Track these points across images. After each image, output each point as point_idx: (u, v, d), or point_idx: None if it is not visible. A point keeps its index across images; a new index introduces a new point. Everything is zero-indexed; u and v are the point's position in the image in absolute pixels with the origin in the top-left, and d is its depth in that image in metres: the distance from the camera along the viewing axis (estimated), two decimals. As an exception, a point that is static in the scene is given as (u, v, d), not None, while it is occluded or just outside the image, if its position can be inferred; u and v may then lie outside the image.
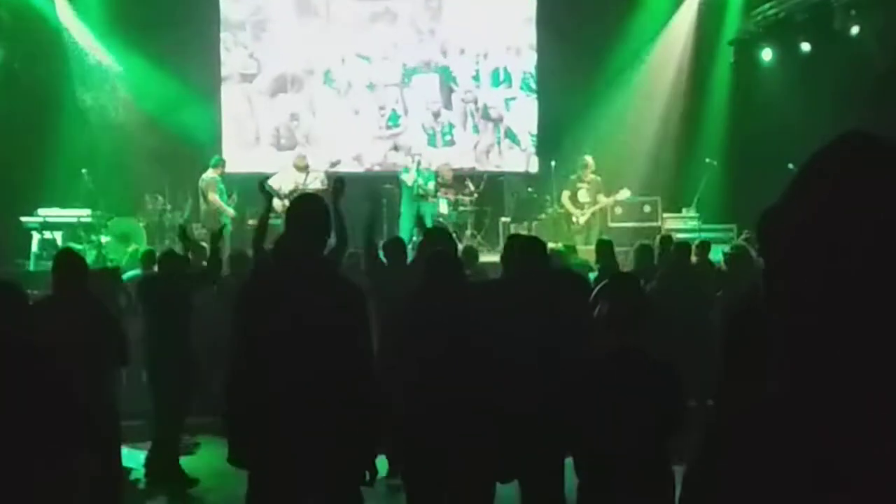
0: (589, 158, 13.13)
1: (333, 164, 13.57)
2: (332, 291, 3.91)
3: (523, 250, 5.10)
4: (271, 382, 3.79)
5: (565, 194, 13.08)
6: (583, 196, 13.07)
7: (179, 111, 13.62)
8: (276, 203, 11.72)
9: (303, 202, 4.19)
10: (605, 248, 8.59)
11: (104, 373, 5.54)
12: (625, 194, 13.04)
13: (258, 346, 3.84)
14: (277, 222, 8.68)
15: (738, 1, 14.31)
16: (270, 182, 12.50)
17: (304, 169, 12.77)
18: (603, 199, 13.10)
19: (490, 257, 10.81)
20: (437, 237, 6.55)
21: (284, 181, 12.58)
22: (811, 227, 1.12)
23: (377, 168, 14.92)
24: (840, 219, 1.10)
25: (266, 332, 3.81)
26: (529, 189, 13.42)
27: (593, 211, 13.02)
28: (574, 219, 12.96)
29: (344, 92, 14.98)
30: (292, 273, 3.90)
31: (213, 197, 12.52)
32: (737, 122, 14.25)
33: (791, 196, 1.18)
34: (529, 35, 15.32)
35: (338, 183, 6.03)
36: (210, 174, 12.68)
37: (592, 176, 13.08)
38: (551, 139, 14.66)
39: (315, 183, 12.59)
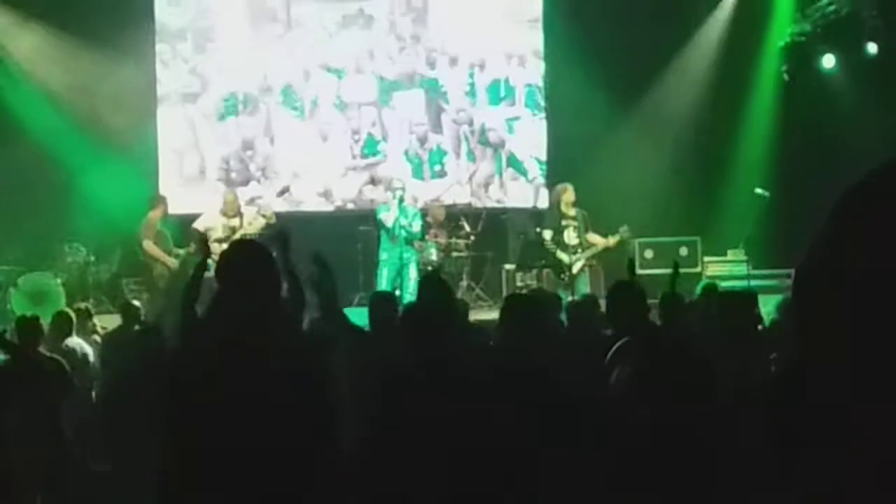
0: (566, 187, 12.69)
1: (281, 192, 13.39)
2: (292, 370, 3.76)
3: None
4: None
5: (546, 234, 12.63)
6: (570, 237, 12.55)
7: (106, 139, 13.60)
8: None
9: (236, 250, 4.08)
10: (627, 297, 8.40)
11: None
12: (625, 232, 12.57)
13: (192, 459, 3.65)
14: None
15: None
16: (195, 225, 12.45)
17: (234, 214, 12.54)
18: (598, 240, 12.55)
19: (490, 314, 10.71)
20: (429, 290, 6.44)
21: (212, 226, 12.29)
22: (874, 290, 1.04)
23: (350, 206, 14.86)
24: None
25: (203, 436, 3.63)
26: (538, 229, 13.36)
27: (589, 256, 12.57)
28: (564, 267, 12.49)
29: (308, 113, 14.97)
30: (234, 347, 3.75)
31: (149, 245, 12.42)
32: (792, 143, 14.24)
33: (836, 246, 1.09)
34: (535, 40, 15.35)
35: (280, 236, 5.71)
36: (149, 216, 12.62)
37: (575, 210, 12.61)
38: (564, 168, 14.61)
39: (253, 227, 12.40)
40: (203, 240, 6.99)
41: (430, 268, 13.05)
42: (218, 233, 12.18)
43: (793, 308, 3.68)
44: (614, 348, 5.54)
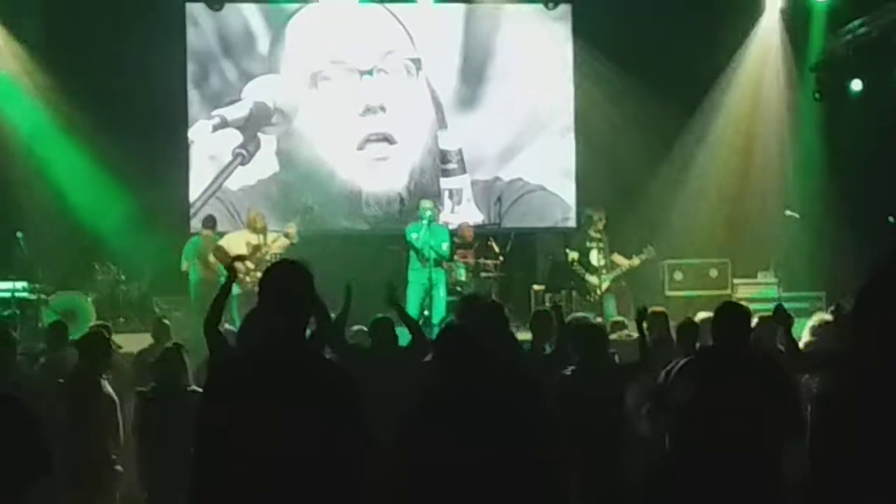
0: (598, 211, 12.87)
1: (306, 211, 13.39)
2: (326, 392, 3.71)
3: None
4: None
5: (572, 256, 12.73)
6: (595, 258, 12.72)
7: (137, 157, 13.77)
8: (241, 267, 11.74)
9: (282, 270, 4.06)
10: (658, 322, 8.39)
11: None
12: (650, 253, 12.72)
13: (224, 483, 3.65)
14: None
15: (821, 15, 14.30)
16: (220, 243, 12.51)
17: (261, 230, 12.58)
18: (623, 261, 12.76)
19: (519, 335, 10.68)
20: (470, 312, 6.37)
21: (234, 244, 12.35)
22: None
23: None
24: None
25: (238, 457, 3.61)
26: (566, 250, 13.33)
27: (614, 277, 12.72)
28: (591, 289, 12.64)
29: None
30: (270, 368, 3.74)
31: (214, 260, 12.37)
32: (823, 165, 14.18)
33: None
34: (566, 57, 15.47)
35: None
36: (204, 234, 12.82)
37: (602, 233, 12.79)
38: (594, 187, 14.63)
39: (275, 246, 12.45)
40: (230, 263, 6.96)
41: (458, 288, 13.05)
42: (241, 249, 12.25)
43: (856, 324, 3.69)
44: (678, 367, 5.50)
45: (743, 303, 10.99)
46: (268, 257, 12.05)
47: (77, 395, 6.92)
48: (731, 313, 5.42)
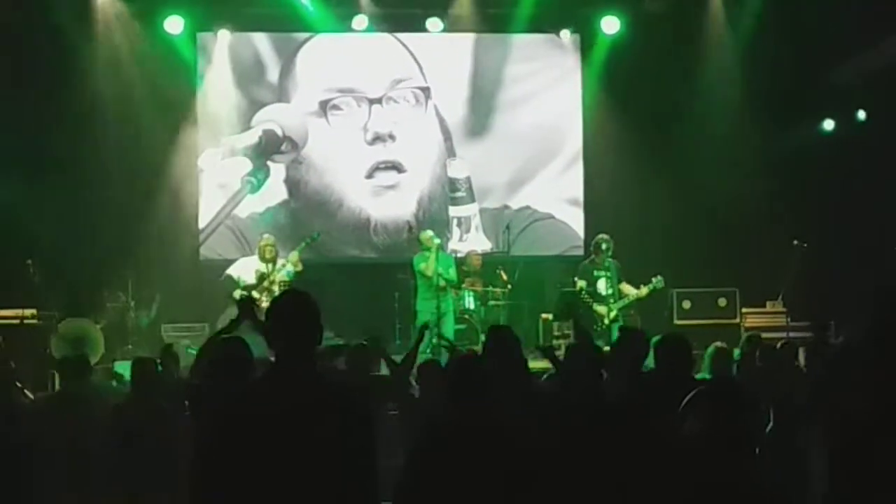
0: (602, 238, 12.81)
1: (312, 240, 13.36)
2: (341, 412, 3.72)
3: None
4: None
5: (580, 284, 12.67)
6: (603, 287, 12.68)
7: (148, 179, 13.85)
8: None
9: (291, 299, 4.05)
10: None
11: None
12: (659, 283, 12.66)
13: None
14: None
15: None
16: (229, 272, 12.54)
17: (270, 259, 12.66)
18: (630, 290, 12.71)
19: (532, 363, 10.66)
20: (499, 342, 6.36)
21: (244, 272, 12.64)
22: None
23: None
24: None
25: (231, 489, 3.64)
26: (575, 278, 13.33)
27: (622, 306, 12.70)
28: (598, 317, 12.56)
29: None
30: (282, 393, 3.74)
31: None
32: (830, 194, 14.17)
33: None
34: (573, 83, 15.54)
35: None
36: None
37: (609, 261, 12.76)
38: (603, 216, 14.62)
39: (280, 274, 12.52)
40: (244, 304, 6.69)
41: (466, 316, 13.07)
42: (250, 277, 12.36)
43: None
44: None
45: (755, 332, 11.10)
46: (274, 287, 12.11)
47: None
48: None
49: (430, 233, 13.16)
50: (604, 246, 12.69)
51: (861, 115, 13.73)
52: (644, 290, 12.61)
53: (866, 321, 3.88)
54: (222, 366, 5.38)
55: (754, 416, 4.95)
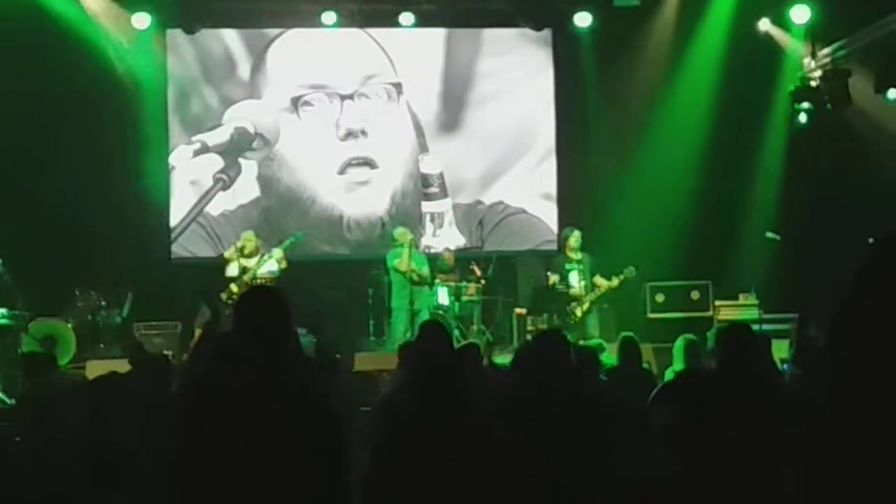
0: (572, 232, 12.96)
1: (297, 239, 13.35)
2: (307, 423, 3.64)
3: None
4: None
5: (552, 279, 12.80)
6: (575, 280, 12.77)
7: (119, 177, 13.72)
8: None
9: (255, 296, 3.94)
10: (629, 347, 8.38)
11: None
12: (630, 273, 12.75)
13: None
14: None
15: (799, 39, 14.31)
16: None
17: (251, 255, 12.72)
18: (602, 282, 12.80)
19: (502, 358, 10.65)
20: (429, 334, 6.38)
21: (228, 264, 12.69)
22: None
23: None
24: None
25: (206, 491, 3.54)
26: (547, 273, 13.34)
27: (594, 299, 12.78)
28: (571, 310, 12.66)
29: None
30: (243, 394, 3.65)
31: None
32: (803, 186, 14.18)
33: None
34: (546, 77, 15.52)
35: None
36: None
37: (581, 254, 12.86)
38: (575, 210, 14.63)
39: (267, 266, 12.54)
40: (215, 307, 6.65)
41: (440, 312, 13.06)
42: (232, 272, 12.36)
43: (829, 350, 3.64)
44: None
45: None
46: (256, 283, 12.11)
47: None
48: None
49: (402, 229, 13.19)
50: (571, 240, 12.75)
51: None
52: (615, 281, 12.68)
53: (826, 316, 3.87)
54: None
55: (728, 407, 4.93)
